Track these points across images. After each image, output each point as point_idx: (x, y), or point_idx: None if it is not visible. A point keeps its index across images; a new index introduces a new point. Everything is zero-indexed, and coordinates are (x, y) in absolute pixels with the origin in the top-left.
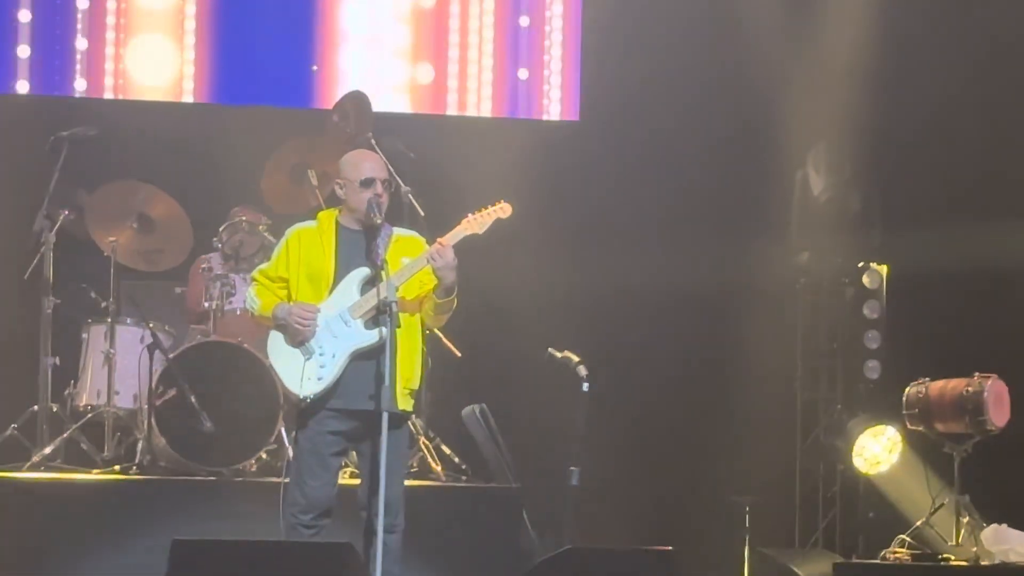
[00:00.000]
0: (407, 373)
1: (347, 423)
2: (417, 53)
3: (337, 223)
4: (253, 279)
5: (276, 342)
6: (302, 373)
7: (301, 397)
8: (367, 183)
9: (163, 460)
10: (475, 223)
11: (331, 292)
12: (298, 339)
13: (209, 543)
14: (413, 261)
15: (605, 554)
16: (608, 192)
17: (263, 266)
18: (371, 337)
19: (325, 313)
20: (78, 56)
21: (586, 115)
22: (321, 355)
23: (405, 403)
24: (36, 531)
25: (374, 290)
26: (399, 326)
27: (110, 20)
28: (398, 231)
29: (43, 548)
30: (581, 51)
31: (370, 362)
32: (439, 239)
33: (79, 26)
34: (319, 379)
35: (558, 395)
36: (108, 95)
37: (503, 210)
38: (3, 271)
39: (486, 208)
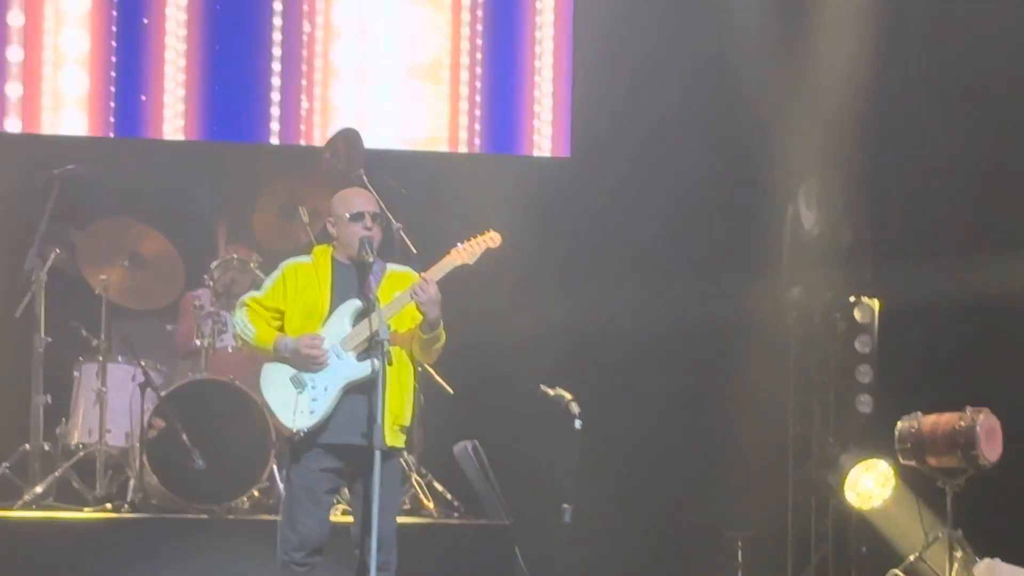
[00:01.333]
0: (397, 409)
1: (339, 459)
2: (407, 89)
3: (332, 258)
4: (245, 304)
5: (269, 375)
6: (295, 406)
7: (294, 430)
8: (356, 217)
9: (155, 498)
10: (464, 253)
11: (323, 325)
12: (312, 369)
13: None
14: (401, 294)
15: None
16: (600, 228)
17: (255, 293)
18: (363, 370)
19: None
20: (69, 94)
21: (577, 151)
22: (313, 388)
23: (395, 439)
24: (28, 570)
25: (365, 322)
26: (391, 362)
27: (101, 58)
28: (392, 267)
29: None
30: (572, 87)
31: (362, 396)
32: (426, 272)
33: (70, 65)
34: (311, 412)
35: (550, 432)
36: (99, 133)
37: (492, 239)
38: None
39: (475, 238)
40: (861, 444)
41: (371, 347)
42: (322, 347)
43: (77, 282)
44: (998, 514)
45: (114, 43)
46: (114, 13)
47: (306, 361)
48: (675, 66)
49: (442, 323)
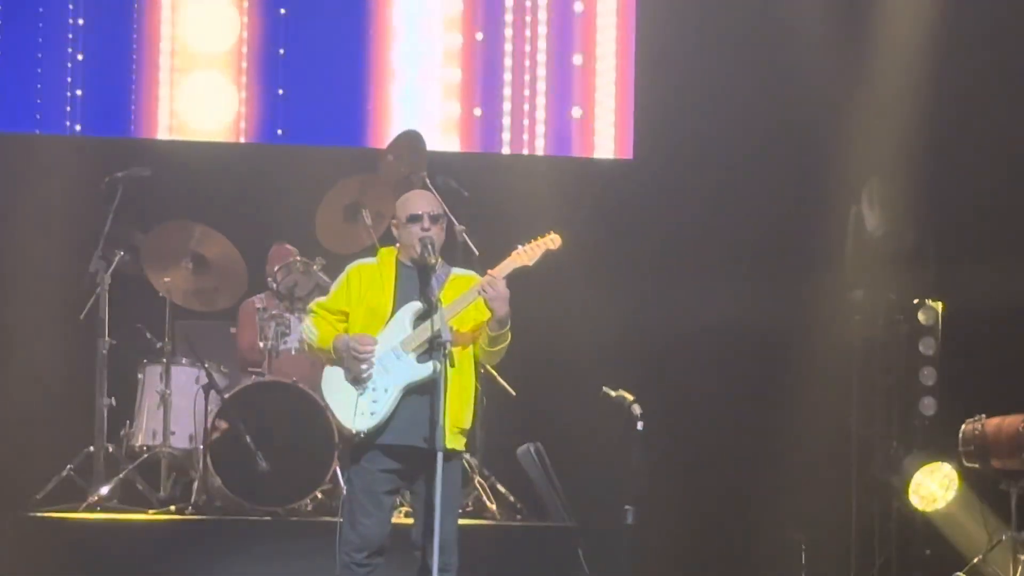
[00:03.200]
0: (457, 411)
1: (399, 461)
2: (469, 91)
3: (397, 260)
4: (311, 311)
5: (331, 376)
6: (355, 408)
7: (354, 432)
8: (414, 218)
9: (218, 500)
10: (525, 255)
11: (385, 327)
12: (357, 371)
13: None
14: (465, 293)
15: None
16: (662, 229)
17: (322, 299)
18: (424, 371)
19: (379, 348)
20: (132, 96)
21: (640, 153)
22: (374, 390)
23: (455, 442)
24: (92, 572)
25: (426, 324)
26: (453, 365)
27: (164, 61)
28: (456, 271)
29: None
30: (635, 89)
31: (422, 398)
32: (489, 271)
33: (133, 67)
34: (372, 414)
35: (613, 434)
36: (162, 135)
37: (553, 241)
38: (59, 312)
39: (536, 240)
40: (925, 447)
41: (432, 348)
42: (370, 346)
43: (141, 285)
44: None
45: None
46: None
47: (354, 359)
48: (738, 67)
49: (510, 322)
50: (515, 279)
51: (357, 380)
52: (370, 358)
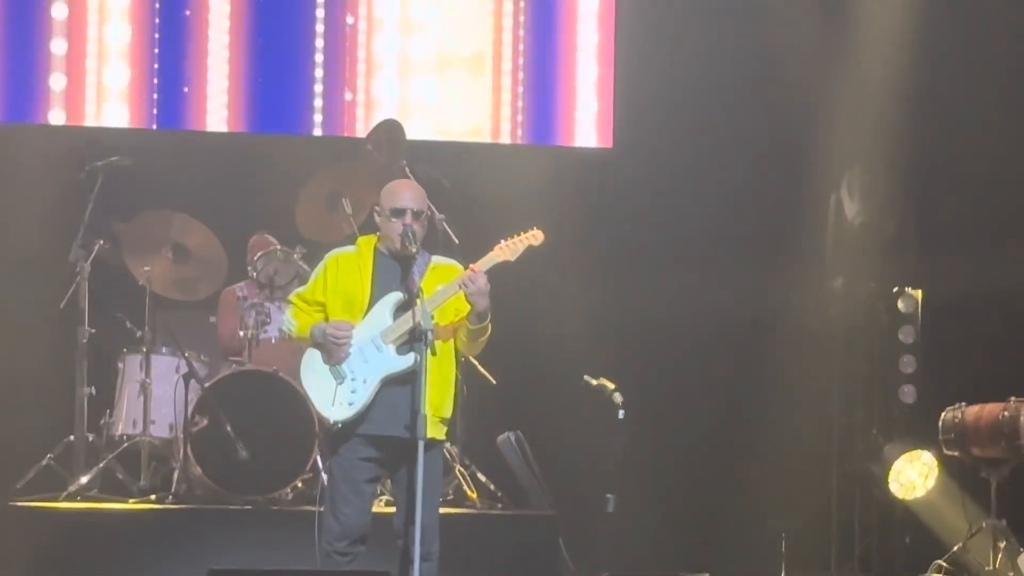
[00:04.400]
0: (438, 401)
1: (378, 450)
2: (451, 80)
3: (375, 249)
4: (290, 302)
5: (309, 364)
6: (333, 397)
7: (332, 422)
8: (397, 212)
9: (199, 489)
10: (507, 250)
11: (364, 317)
12: (335, 358)
13: (245, 572)
14: (446, 287)
15: None
16: (642, 219)
17: (300, 290)
18: (403, 362)
19: (357, 338)
20: (113, 86)
21: (619, 142)
22: (352, 380)
23: (436, 431)
24: (72, 561)
25: (407, 315)
26: (435, 354)
27: (144, 50)
28: (436, 259)
29: None
30: (614, 78)
31: (402, 388)
32: (471, 265)
33: (113, 56)
34: (350, 404)
35: (594, 422)
36: (142, 125)
37: (534, 237)
38: (38, 301)
39: (518, 235)
40: (905, 435)
41: (412, 339)
42: (347, 333)
43: (121, 274)
44: None
45: (156, 35)
46: (156, 5)
47: (331, 346)
48: (718, 56)
49: (490, 315)
50: (496, 268)
51: (336, 368)
52: (347, 343)
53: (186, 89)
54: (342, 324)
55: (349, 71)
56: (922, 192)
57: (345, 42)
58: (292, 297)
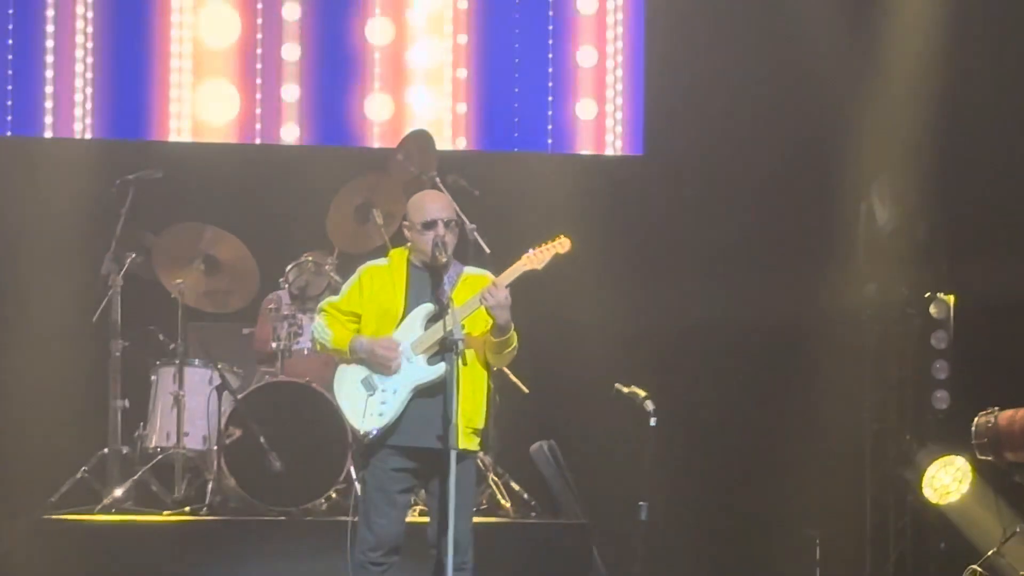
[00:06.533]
0: (470, 412)
1: (411, 461)
2: (480, 89)
3: (408, 262)
4: (322, 310)
5: (342, 377)
6: (364, 409)
7: (363, 433)
8: (429, 225)
9: (233, 501)
10: (534, 259)
11: (397, 328)
12: (384, 373)
13: None
14: (470, 300)
15: None
16: (673, 226)
17: (333, 299)
18: (433, 373)
19: None
20: (144, 99)
21: (650, 149)
22: (383, 391)
23: (468, 442)
24: (108, 574)
25: (437, 326)
26: (466, 362)
27: (174, 63)
28: (469, 270)
29: None
30: (644, 85)
31: (434, 399)
32: (495, 278)
33: (145, 70)
34: (380, 415)
35: (626, 430)
36: (173, 137)
37: (562, 245)
38: (72, 315)
39: (545, 244)
40: (938, 440)
41: (443, 349)
42: (397, 350)
43: (153, 286)
44: None
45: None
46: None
47: (380, 362)
48: (748, 63)
49: (513, 328)
50: (526, 279)
51: (367, 380)
52: (396, 362)
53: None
54: (391, 343)
55: (380, 81)
56: (953, 197)
57: (373, 54)
58: (325, 306)
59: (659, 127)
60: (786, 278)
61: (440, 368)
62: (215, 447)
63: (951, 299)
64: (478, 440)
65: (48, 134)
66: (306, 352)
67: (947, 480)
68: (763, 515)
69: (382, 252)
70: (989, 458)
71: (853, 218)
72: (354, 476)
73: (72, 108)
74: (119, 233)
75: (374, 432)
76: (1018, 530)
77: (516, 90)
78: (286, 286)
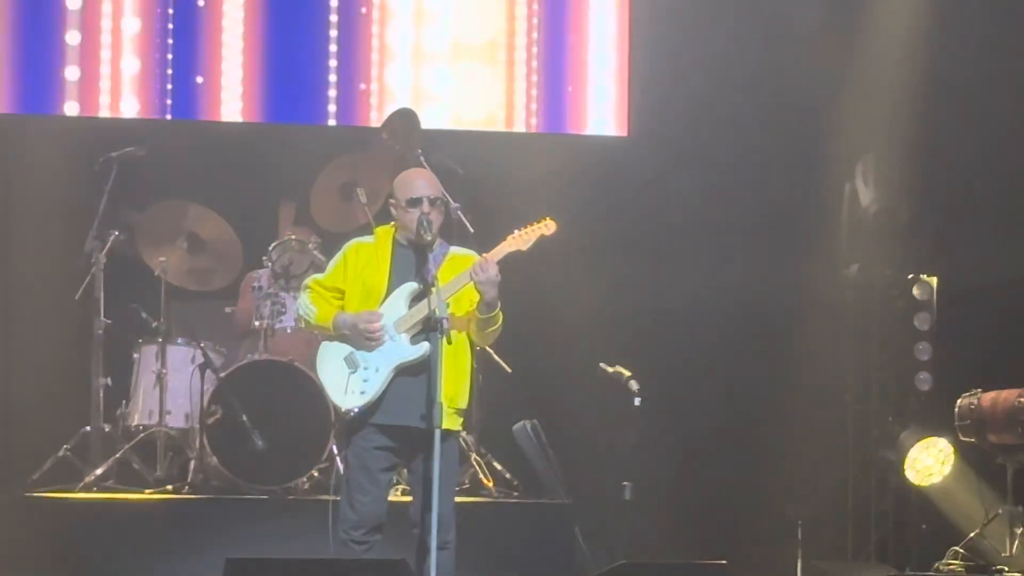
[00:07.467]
0: (453, 392)
1: (394, 439)
2: (464, 68)
3: (394, 239)
4: (307, 287)
5: (325, 353)
6: (346, 386)
7: (343, 410)
8: (413, 202)
9: (215, 479)
10: (519, 240)
11: (381, 306)
12: (366, 347)
13: (262, 561)
14: (458, 276)
15: (658, 568)
16: (656, 207)
17: (318, 276)
18: (415, 352)
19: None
20: (127, 77)
21: (635, 130)
22: (365, 368)
23: (451, 422)
24: (89, 551)
25: (421, 304)
26: (450, 342)
27: (158, 41)
28: (455, 249)
29: (96, 568)
30: (629, 65)
31: (417, 378)
32: (483, 254)
33: (129, 47)
34: (362, 393)
35: (610, 410)
36: (156, 115)
37: (547, 227)
38: (54, 293)
39: (531, 225)
40: (921, 422)
41: (426, 328)
42: (379, 323)
43: (136, 264)
44: None
45: (170, 25)
46: None
47: (362, 336)
48: (733, 44)
49: (499, 306)
50: (512, 256)
51: (349, 357)
52: (379, 334)
53: (200, 79)
54: (373, 316)
55: (363, 60)
56: (937, 179)
57: (359, 31)
58: (310, 282)
59: (644, 108)
60: (770, 259)
61: (422, 348)
62: (197, 425)
63: (934, 281)
64: (461, 420)
65: (32, 112)
66: (289, 331)
67: (929, 462)
68: (746, 496)
69: (367, 231)
70: (972, 440)
71: (837, 199)
72: (336, 455)
73: (57, 86)
74: (102, 211)
75: (355, 409)
76: (1000, 512)
77: (496, 69)
78: (269, 265)
